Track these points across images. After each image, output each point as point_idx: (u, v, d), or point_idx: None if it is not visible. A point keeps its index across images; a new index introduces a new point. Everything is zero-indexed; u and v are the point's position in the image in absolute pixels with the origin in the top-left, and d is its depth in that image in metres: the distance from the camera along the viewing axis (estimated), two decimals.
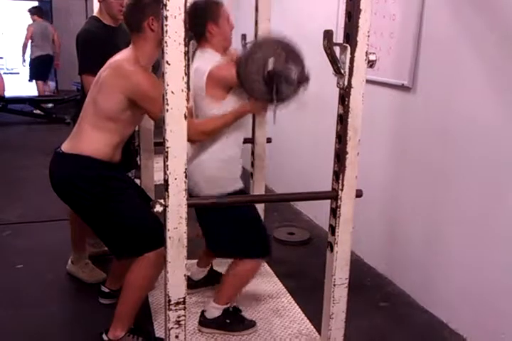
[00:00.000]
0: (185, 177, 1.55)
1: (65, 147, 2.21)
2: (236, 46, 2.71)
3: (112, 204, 2.15)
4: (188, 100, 1.53)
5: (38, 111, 7.69)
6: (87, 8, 8.06)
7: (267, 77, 1.62)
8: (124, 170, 2.65)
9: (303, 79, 1.57)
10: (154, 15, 2.05)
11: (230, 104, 2.15)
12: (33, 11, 8.47)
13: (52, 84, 9.66)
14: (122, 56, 2.13)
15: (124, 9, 2.20)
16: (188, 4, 1.41)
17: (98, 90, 2.12)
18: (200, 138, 2.14)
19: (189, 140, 2.00)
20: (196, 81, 2.18)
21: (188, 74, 1.48)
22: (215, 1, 2.22)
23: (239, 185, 2.26)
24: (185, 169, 1.55)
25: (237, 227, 2.25)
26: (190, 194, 2.06)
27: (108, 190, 2.15)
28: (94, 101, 2.14)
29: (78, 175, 2.14)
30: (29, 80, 8.98)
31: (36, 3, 9.38)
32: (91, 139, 2.15)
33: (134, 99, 2.05)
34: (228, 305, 2.37)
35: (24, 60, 8.80)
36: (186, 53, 1.45)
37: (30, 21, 8.54)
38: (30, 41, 8.39)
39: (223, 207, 2.14)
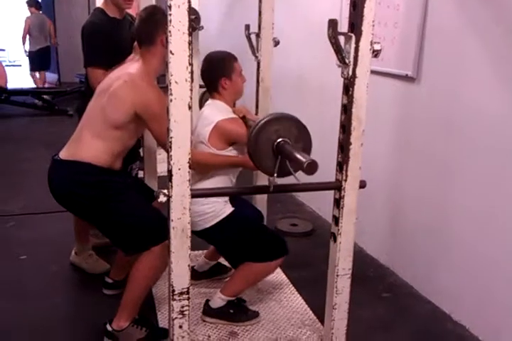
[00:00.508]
0: (189, 167, 1.55)
1: (63, 154, 2.23)
2: (239, 38, 2.71)
3: (111, 204, 2.17)
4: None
5: (38, 102, 7.71)
6: None
7: (275, 149, 1.65)
8: (126, 162, 2.66)
9: (308, 166, 1.56)
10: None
11: (229, 154, 2.23)
12: (30, 3, 8.55)
13: (53, 76, 9.67)
14: (135, 68, 2.16)
15: (136, 23, 2.24)
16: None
17: (107, 100, 2.14)
18: (192, 166, 2.15)
19: None
20: (200, 128, 2.24)
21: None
22: (229, 55, 2.29)
23: (228, 210, 2.28)
24: (189, 159, 1.55)
25: (246, 237, 2.27)
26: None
27: (106, 192, 2.17)
28: (101, 109, 2.16)
29: (77, 181, 2.16)
30: (30, 71, 9.04)
31: None
32: (91, 147, 2.17)
33: (142, 115, 2.09)
34: (233, 298, 2.38)
35: (26, 52, 8.88)
36: (190, 43, 1.44)
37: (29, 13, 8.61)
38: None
39: (226, 225, 2.24)
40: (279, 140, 1.65)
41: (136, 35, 2.24)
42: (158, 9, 2.23)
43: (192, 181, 2.18)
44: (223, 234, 2.27)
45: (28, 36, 8.55)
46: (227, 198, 2.31)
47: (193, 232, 2.26)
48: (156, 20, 2.16)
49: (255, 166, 1.75)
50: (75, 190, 2.16)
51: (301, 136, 1.69)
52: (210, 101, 2.32)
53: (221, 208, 2.26)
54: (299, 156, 1.59)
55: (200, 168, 2.18)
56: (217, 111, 2.25)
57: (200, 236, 2.30)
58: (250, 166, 2.17)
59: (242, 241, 2.27)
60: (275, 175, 1.69)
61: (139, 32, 2.21)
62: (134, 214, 2.19)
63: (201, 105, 2.36)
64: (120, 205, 2.18)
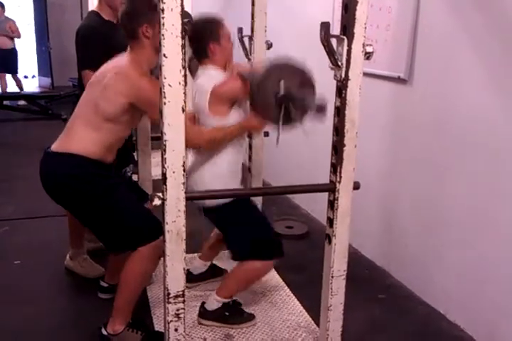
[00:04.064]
0: (184, 170, 1.55)
1: (55, 146, 2.22)
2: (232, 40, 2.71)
3: (101, 201, 2.16)
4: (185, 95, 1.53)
5: (22, 102, 7.75)
6: (82, 3, 8.02)
7: (279, 99, 1.64)
8: (120, 166, 2.65)
9: (315, 106, 1.58)
10: (148, 22, 2.08)
11: (233, 119, 2.20)
12: None
13: (46, 80, 9.66)
14: (125, 61, 2.15)
15: (119, 17, 2.22)
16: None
17: (100, 93, 2.13)
18: (203, 145, 2.20)
19: (192, 145, 2.08)
20: (199, 98, 2.22)
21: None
22: (216, 20, 2.26)
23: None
24: (184, 163, 1.55)
25: (248, 228, 2.27)
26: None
27: (98, 187, 2.16)
28: (94, 102, 2.15)
29: (67, 173, 2.15)
30: None
31: None
32: (82, 138, 2.17)
33: (137, 103, 2.09)
34: (229, 300, 2.37)
35: None
36: (183, 46, 1.45)
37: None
38: None
39: (231, 209, 2.23)
40: (282, 90, 1.64)
41: (122, 28, 2.21)
42: None
43: (203, 157, 2.20)
44: (235, 215, 2.25)
45: None
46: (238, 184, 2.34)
47: (203, 210, 2.27)
48: (136, 13, 2.12)
49: (262, 117, 1.74)
50: (66, 182, 2.15)
51: (304, 80, 1.69)
52: (201, 70, 2.28)
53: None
54: (301, 102, 1.64)
55: (211, 146, 2.20)
56: (209, 78, 2.20)
57: (209, 214, 2.30)
58: (254, 125, 2.21)
59: (248, 230, 2.25)
60: (280, 122, 1.69)
61: (123, 26, 2.18)
62: (124, 212, 2.18)
63: (191, 71, 2.31)
64: (109, 201, 2.17)
